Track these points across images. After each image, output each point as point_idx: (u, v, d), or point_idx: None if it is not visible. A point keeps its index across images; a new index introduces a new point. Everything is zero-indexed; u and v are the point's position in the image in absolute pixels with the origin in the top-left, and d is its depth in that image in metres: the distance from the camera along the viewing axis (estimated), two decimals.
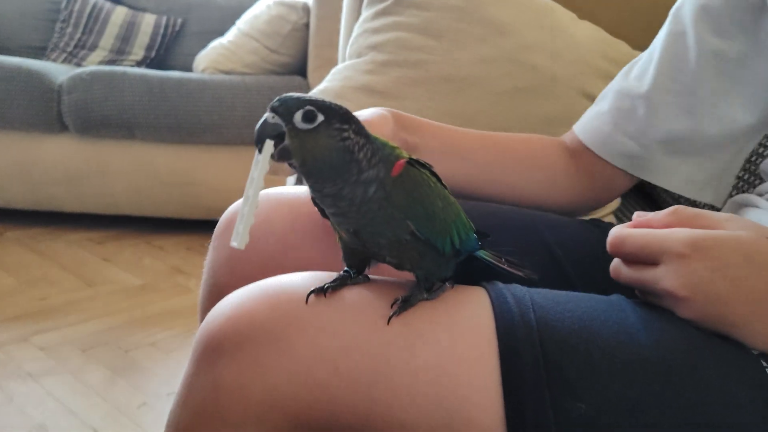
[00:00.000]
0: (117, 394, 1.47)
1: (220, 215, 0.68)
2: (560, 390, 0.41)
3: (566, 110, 1.05)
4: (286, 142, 0.41)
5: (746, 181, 0.96)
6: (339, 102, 0.44)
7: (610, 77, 0.82)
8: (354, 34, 1.26)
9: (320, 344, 0.44)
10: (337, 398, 0.43)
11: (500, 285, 0.49)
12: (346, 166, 0.42)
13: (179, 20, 3.00)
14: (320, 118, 0.41)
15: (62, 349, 1.65)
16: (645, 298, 0.49)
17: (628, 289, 0.50)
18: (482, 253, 0.52)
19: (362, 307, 0.46)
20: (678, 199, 1.06)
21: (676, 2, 0.73)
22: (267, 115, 0.42)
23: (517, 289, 0.48)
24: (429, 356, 0.43)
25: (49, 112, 2.37)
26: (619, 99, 0.74)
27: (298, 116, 0.41)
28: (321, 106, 0.42)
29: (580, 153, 0.77)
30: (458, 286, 0.49)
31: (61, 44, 2.92)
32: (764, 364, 0.43)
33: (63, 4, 2.98)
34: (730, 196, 0.69)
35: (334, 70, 1.22)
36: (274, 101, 0.42)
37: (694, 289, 0.44)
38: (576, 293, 0.49)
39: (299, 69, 2.67)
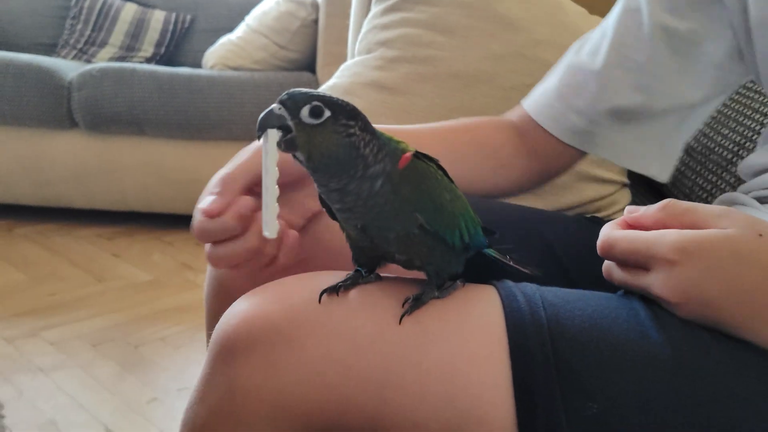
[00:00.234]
0: (127, 389, 1.48)
1: None
2: (571, 388, 0.41)
3: None
4: (293, 134, 0.42)
5: (729, 182, 0.96)
6: (348, 98, 0.44)
7: None
8: (363, 30, 1.26)
9: (332, 345, 0.44)
10: (348, 399, 0.43)
11: (510, 283, 0.48)
12: (352, 162, 0.42)
13: (188, 17, 3.01)
14: (327, 113, 0.42)
15: (72, 344, 1.66)
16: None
17: None
18: (490, 251, 0.52)
19: (374, 307, 0.46)
20: (688, 195, 1.05)
21: None
22: (274, 106, 0.42)
23: (527, 287, 0.48)
24: (440, 355, 0.43)
25: (59, 108, 2.38)
26: (571, 75, 0.74)
27: (305, 111, 0.41)
28: (328, 101, 0.42)
29: (529, 130, 0.76)
30: (468, 284, 0.49)
31: (71, 41, 2.94)
32: None
33: (73, 1, 3.00)
34: (716, 195, 0.69)
35: (343, 67, 1.22)
36: (283, 95, 0.42)
37: (686, 295, 0.43)
38: (586, 291, 0.49)
39: (308, 65, 2.67)
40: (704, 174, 1.01)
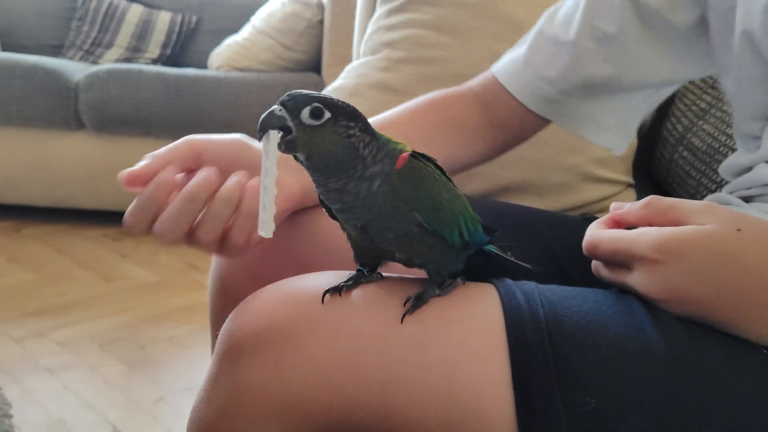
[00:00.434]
0: (134, 388, 1.49)
1: None
2: (569, 383, 0.42)
3: None
4: (293, 135, 0.42)
5: (716, 182, 0.97)
6: (354, 99, 0.45)
7: None
8: (368, 31, 1.26)
9: (336, 345, 0.44)
10: (352, 397, 0.44)
11: (509, 281, 0.49)
12: (351, 162, 0.43)
13: (194, 18, 3.02)
14: (327, 115, 0.42)
15: (80, 344, 1.68)
16: None
17: None
18: (491, 247, 0.53)
19: (376, 306, 0.46)
20: (693, 195, 1.06)
21: None
22: (275, 107, 0.43)
23: (526, 285, 0.48)
24: (441, 353, 0.44)
25: (66, 109, 2.40)
26: (543, 44, 0.74)
27: (305, 112, 0.42)
28: (328, 103, 0.42)
29: (495, 99, 0.76)
30: (468, 282, 0.49)
31: (78, 42, 2.95)
32: (766, 352, 0.43)
33: (79, 3, 3.01)
34: (704, 195, 0.69)
35: (348, 68, 1.22)
36: (284, 96, 0.43)
37: (668, 293, 0.44)
38: (584, 288, 0.49)
39: (314, 66, 2.68)
40: (709, 174, 1.01)
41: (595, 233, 0.49)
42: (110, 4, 2.97)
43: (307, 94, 0.43)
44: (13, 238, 2.42)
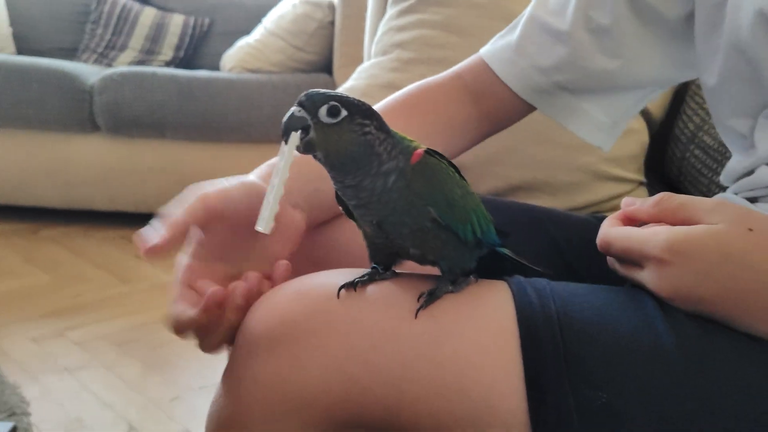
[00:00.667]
0: (150, 387, 1.51)
1: None
2: (580, 378, 0.42)
3: None
4: (311, 135, 0.43)
5: (719, 186, 0.96)
6: (364, 100, 0.45)
7: None
8: (379, 32, 1.27)
9: (351, 340, 0.45)
10: (367, 391, 0.44)
11: (521, 278, 0.50)
12: (367, 159, 0.44)
13: (207, 20, 3.04)
14: (344, 113, 0.43)
15: (97, 344, 1.69)
16: None
17: None
18: (504, 250, 0.53)
19: (390, 302, 0.47)
20: (705, 194, 1.05)
21: None
22: (294, 108, 0.44)
23: (538, 282, 0.49)
24: (454, 348, 0.44)
25: (81, 112, 2.42)
26: (536, 32, 0.72)
27: (323, 111, 0.43)
28: (345, 101, 0.43)
29: (485, 87, 0.74)
30: (480, 280, 0.50)
31: (92, 45, 2.98)
32: None
33: (93, 6, 3.04)
34: (715, 193, 0.69)
35: (359, 69, 1.23)
36: (301, 96, 0.44)
37: (677, 293, 0.44)
38: (594, 285, 0.50)
39: (325, 67, 2.69)
40: (720, 172, 1.00)
41: (608, 232, 0.50)
42: (124, 7, 2.99)
43: (324, 93, 0.44)
44: (30, 240, 2.45)
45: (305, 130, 0.43)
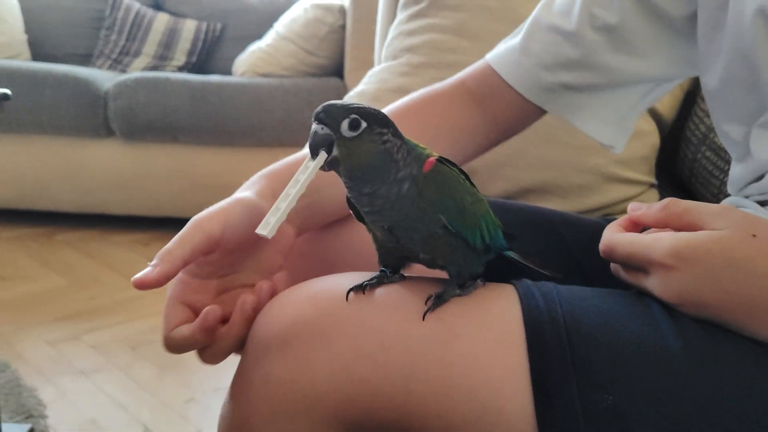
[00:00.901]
0: (165, 389, 1.52)
1: None
2: (587, 381, 0.43)
3: None
4: (335, 152, 0.43)
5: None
6: (375, 105, 0.46)
7: None
8: (389, 36, 1.28)
9: (360, 341, 0.46)
10: (376, 392, 0.45)
11: (528, 282, 0.50)
12: (386, 167, 0.44)
13: (219, 25, 3.06)
14: (363, 124, 0.43)
15: (112, 347, 1.71)
16: None
17: None
18: (511, 254, 0.54)
19: (398, 304, 0.48)
20: (716, 195, 1.05)
21: None
22: (315, 126, 0.44)
23: (545, 285, 0.49)
24: (462, 350, 0.45)
25: (96, 117, 2.45)
26: (541, 32, 0.72)
27: (344, 125, 0.43)
28: (363, 112, 0.43)
29: (492, 92, 0.74)
30: (488, 283, 0.50)
31: (106, 51, 3.01)
32: None
33: (107, 12, 3.07)
34: (727, 195, 0.68)
35: (370, 73, 1.24)
36: (319, 111, 0.44)
37: (682, 298, 0.45)
38: (602, 289, 0.50)
39: (336, 71, 2.71)
40: None
41: (612, 237, 0.50)
42: (137, 13, 3.02)
43: (341, 106, 0.44)
44: (45, 244, 2.48)
45: (330, 146, 0.43)
